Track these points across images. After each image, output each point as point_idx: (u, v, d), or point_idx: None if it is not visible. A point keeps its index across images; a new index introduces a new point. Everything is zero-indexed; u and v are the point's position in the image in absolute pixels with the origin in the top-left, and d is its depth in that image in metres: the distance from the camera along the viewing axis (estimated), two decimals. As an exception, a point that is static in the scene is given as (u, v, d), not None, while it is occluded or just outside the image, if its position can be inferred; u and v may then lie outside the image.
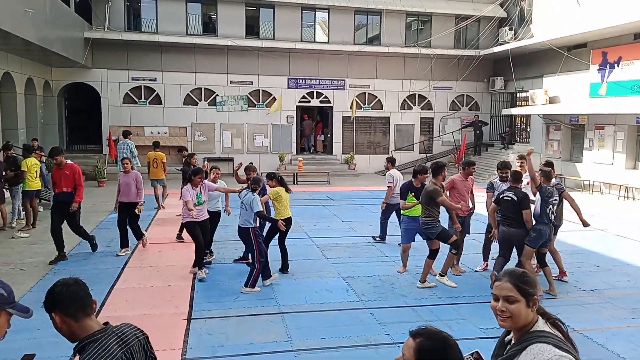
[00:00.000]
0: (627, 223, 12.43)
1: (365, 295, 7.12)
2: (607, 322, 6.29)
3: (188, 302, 6.79)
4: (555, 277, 7.72)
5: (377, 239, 10.34)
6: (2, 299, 2.01)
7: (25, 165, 10.96)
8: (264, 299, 6.92)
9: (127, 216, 9.12)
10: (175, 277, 7.85)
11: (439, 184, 7.45)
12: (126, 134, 14.99)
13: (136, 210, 9.05)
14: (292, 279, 7.76)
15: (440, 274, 7.64)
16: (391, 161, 10.78)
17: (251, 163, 9.46)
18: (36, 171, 11.19)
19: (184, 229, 8.66)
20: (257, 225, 7.39)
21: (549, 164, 8.45)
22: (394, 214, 10.07)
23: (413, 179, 7.91)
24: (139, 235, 9.37)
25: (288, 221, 7.88)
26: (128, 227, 9.21)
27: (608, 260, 9.06)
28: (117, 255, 8.94)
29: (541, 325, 2.22)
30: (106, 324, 2.21)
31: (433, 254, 7.58)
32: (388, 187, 10.07)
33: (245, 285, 7.19)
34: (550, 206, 7.16)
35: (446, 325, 5.91)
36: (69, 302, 2.11)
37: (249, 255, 8.41)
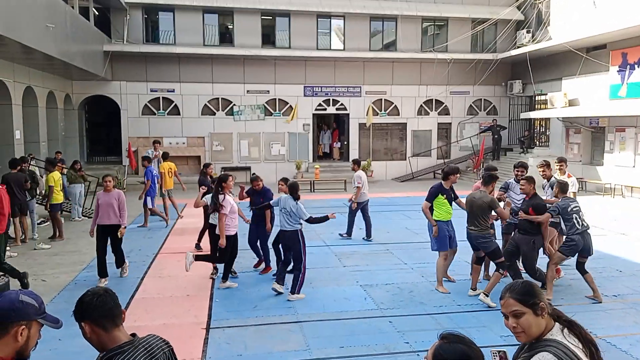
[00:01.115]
0: (651, 227, 12.17)
1: (383, 303, 7.08)
2: (631, 328, 6.16)
3: (207, 311, 6.83)
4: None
5: (344, 235, 11.14)
6: (33, 310, 2.05)
7: (52, 180, 11.14)
8: (282, 307, 6.93)
9: (108, 241, 8.11)
10: (194, 286, 7.90)
11: (489, 193, 7.22)
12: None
13: (118, 234, 8.06)
14: (310, 287, 7.74)
15: (484, 293, 7.17)
16: (357, 163, 11.43)
17: (254, 174, 9.52)
18: (61, 184, 11.40)
19: (209, 238, 8.64)
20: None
21: (562, 159, 8.66)
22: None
23: (444, 181, 7.65)
24: (120, 262, 8.33)
25: None
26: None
27: (631, 265, 8.88)
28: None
29: (555, 332, 2.21)
30: (133, 335, 2.23)
31: (480, 260, 7.48)
32: (357, 187, 10.80)
33: (292, 292, 7.22)
34: (575, 215, 7.10)
35: (466, 332, 5.81)
36: (98, 312, 2.15)
37: (264, 259, 8.49)
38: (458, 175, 7.79)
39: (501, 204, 7.61)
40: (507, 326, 2.28)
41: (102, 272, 7.98)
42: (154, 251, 10.11)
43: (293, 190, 7.42)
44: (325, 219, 7.55)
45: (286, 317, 6.58)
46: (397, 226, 12.49)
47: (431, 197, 7.57)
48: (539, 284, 7.27)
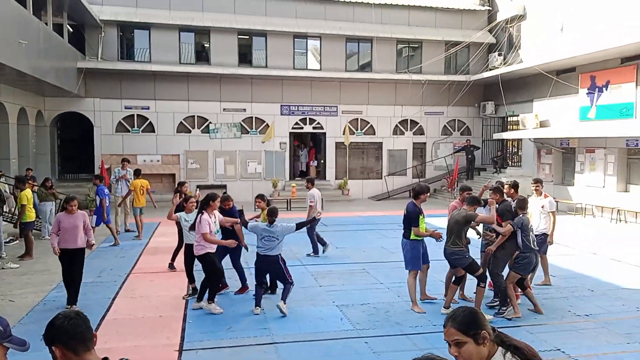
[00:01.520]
0: (620, 246, 12.43)
1: (359, 323, 7.04)
2: (603, 348, 6.24)
3: (180, 332, 6.69)
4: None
5: (312, 254, 11.19)
6: None
7: (25, 198, 10.88)
8: (257, 328, 6.84)
9: (70, 267, 7.54)
10: (167, 307, 7.76)
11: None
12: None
13: (87, 250, 7.81)
14: (286, 307, 7.66)
15: (445, 307, 7.41)
16: (311, 181, 11.64)
17: (225, 193, 9.47)
18: (32, 202, 11.14)
19: (185, 258, 8.47)
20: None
21: (538, 180, 8.98)
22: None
23: (415, 200, 7.62)
24: (73, 298, 7.51)
25: None
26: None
27: (602, 285, 9.03)
28: None
29: (497, 357, 2.23)
30: (105, 359, 2.18)
31: (459, 280, 7.52)
32: (310, 206, 11.03)
33: (283, 301, 7.35)
34: (531, 232, 7.38)
35: (442, 353, 5.81)
36: (69, 336, 2.10)
37: (239, 278, 8.39)
38: (428, 194, 7.83)
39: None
40: (450, 353, 2.30)
41: (71, 299, 7.51)
42: (126, 271, 9.91)
43: (273, 214, 7.43)
44: (312, 220, 7.83)
45: (261, 339, 6.49)
46: (373, 245, 12.50)
47: (417, 220, 7.51)
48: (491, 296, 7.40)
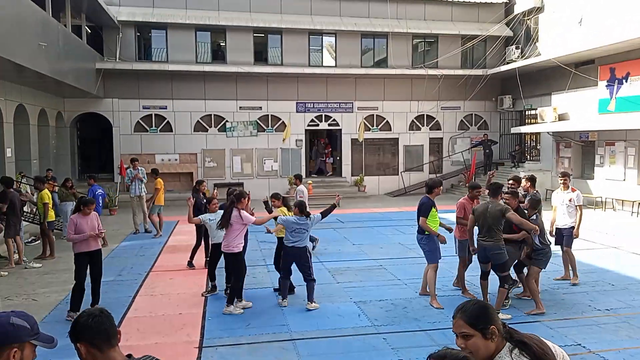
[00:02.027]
0: (642, 240, 12.24)
1: (377, 320, 7.06)
2: (624, 343, 6.17)
3: (199, 330, 6.78)
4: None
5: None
6: (25, 332, 2.04)
7: (48, 198, 11.06)
8: (276, 325, 6.89)
9: (91, 268, 7.41)
10: (186, 304, 7.85)
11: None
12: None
13: (103, 242, 7.69)
14: (304, 304, 7.70)
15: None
16: (299, 178, 11.67)
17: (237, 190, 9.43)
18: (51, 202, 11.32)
19: (210, 258, 8.57)
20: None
21: (565, 174, 8.92)
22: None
23: (429, 194, 7.68)
24: (97, 298, 7.48)
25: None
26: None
27: (623, 279, 8.92)
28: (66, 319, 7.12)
29: (504, 354, 2.20)
30: (129, 356, 2.23)
31: (485, 275, 7.42)
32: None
33: (311, 301, 7.53)
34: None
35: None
36: (94, 333, 2.14)
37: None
38: (441, 187, 7.93)
39: None
40: (457, 345, 2.28)
41: (79, 306, 7.15)
42: (146, 269, 10.05)
43: (303, 206, 7.78)
44: (333, 207, 7.89)
45: (280, 335, 6.54)
46: (390, 241, 12.49)
47: (427, 212, 7.60)
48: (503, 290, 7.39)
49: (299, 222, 7.56)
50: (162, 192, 13.46)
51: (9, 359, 1.97)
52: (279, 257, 8.32)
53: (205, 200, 10.25)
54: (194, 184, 11.73)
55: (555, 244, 8.68)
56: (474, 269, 8.11)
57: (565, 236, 8.66)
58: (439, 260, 7.78)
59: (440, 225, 7.97)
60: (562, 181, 8.91)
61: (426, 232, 7.64)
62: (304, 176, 21.95)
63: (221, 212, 8.11)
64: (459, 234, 8.09)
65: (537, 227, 7.10)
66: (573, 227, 8.62)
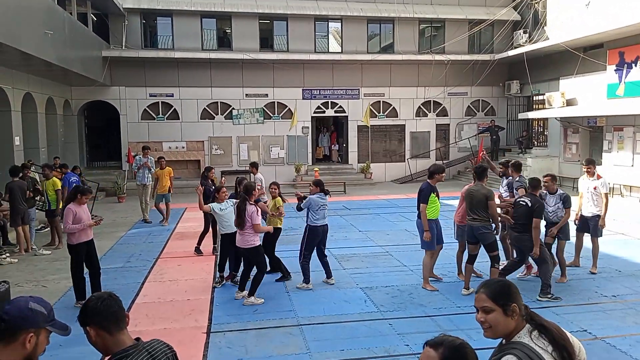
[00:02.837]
0: (650, 226, 12.20)
1: (383, 305, 7.11)
2: (631, 329, 6.18)
3: (207, 315, 6.86)
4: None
5: None
6: (42, 318, 2.08)
7: (59, 184, 11.11)
8: (282, 311, 6.96)
9: (85, 260, 7.35)
10: (194, 290, 7.93)
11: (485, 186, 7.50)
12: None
13: (97, 222, 7.63)
14: (310, 290, 7.77)
15: (465, 288, 7.60)
16: (255, 166, 11.27)
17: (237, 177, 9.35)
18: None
19: (220, 249, 8.50)
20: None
21: (590, 161, 8.90)
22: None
23: (430, 180, 7.76)
24: (98, 283, 7.50)
25: (278, 231, 8.42)
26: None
27: (630, 265, 8.91)
28: (75, 306, 7.16)
29: (523, 335, 2.23)
30: (138, 339, 2.26)
31: (472, 259, 7.56)
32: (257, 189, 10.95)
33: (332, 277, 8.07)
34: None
35: (466, 334, 5.87)
36: (103, 316, 2.18)
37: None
38: (443, 174, 7.93)
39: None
40: (477, 319, 2.32)
41: (84, 294, 7.14)
42: (155, 256, 10.14)
43: (322, 183, 8.10)
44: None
45: (286, 321, 6.60)
46: (396, 228, 12.52)
47: (426, 198, 7.64)
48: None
49: (323, 197, 7.86)
50: (166, 181, 13.27)
51: (25, 343, 2.01)
52: (271, 247, 8.35)
53: (213, 188, 10.28)
54: (203, 170, 11.66)
55: (579, 231, 8.68)
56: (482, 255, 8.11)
57: (591, 225, 8.47)
58: (444, 247, 7.84)
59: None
60: (586, 169, 8.67)
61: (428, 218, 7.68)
62: (310, 163, 22.03)
63: (231, 201, 8.14)
64: (459, 218, 8.13)
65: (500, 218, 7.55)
66: (599, 216, 8.41)
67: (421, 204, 7.65)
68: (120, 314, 2.23)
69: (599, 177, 8.61)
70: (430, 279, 7.99)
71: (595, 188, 8.44)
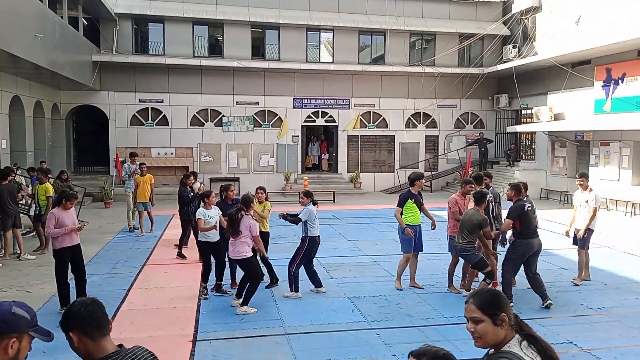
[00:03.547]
0: (634, 240, 12.33)
1: (371, 315, 7.09)
2: (616, 341, 6.22)
3: (193, 323, 6.79)
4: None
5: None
6: (25, 323, 2.04)
7: (51, 190, 10.87)
8: (270, 319, 6.91)
9: (70, 265, 7.24)
10: (180, 298, 7.86)
11: (482, 212, 7.53)
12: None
13: (81, 227, 7.30)
14: (298, 299, 7.74)
15: (466, 289, 7.93)
16: (195, 175, 11.34)
17: (222, 185, 8.97)
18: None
19: (201, 256, 8.39)
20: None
21: (583, 175, 8.93)
22: None
23: (411, 187, 8.16)
24: (83, 289, 7.37)
25: (266, 235, 8.50)
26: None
27: (616, 278, 8.99)
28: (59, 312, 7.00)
29: (512, 344, 2.24)
30: (120, 346, 2.23)
31: (489, 275, 7.53)
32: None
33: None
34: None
35: (453, 345, 5.87)
36: (86, 322, 2.15)
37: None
38: (423, 180, 8.37)
39: None
40: (467, 329, 2.33)
41: (68, 300, 7.05)
42: (141, 262, 10.05)
43: (312, 195, 8.03)
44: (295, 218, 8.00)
45: (273, 330, 6.56)
46: (385, 238, 12.52)
47: (402, 203, 8.07)
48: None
49: (315, 210, 7.90)
50: (146, 189, 12.71)
51: (7, 348, 1.97)
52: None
53: (192, 195, 10.25)
54: (182, 177, 11.06)
55: (573, 244, 8.76)
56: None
57: (584, 238, 8.57)
58: (432, 258, 7.88)
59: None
60: (579, 182, 8.77)
61: (405, 223, 8.05)
62: (299, 172, 22.03)
63: (217, 210, 8.04)
64: (451, 230, 8.18)
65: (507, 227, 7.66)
66: (589, 229, 8.52)
67: (396, 208, 8.14)
68: (104, 320, 2.21)
69: (591, 190, 8.68)
70: (411, 285, 8.26)
71: (587, 201, 8.54)
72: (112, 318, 6.89)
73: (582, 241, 8.59)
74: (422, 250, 8.40)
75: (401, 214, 8.11)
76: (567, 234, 8.91)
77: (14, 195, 10.22)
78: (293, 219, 7.91)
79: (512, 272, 7.45)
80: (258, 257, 7.69)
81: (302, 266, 7.94)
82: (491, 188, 8.59)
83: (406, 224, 8.02)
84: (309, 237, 7.81)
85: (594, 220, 8.51)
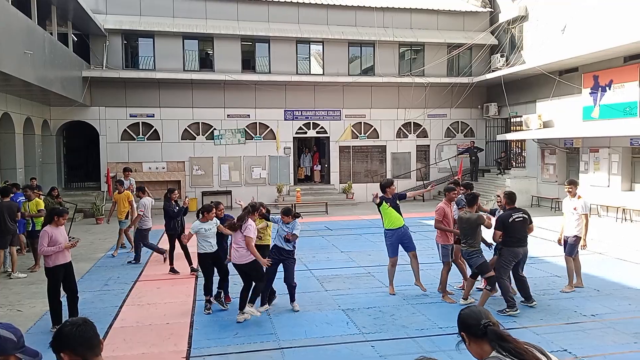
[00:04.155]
0: (625, 245, 12.40)
1: (365, 327, 7.07)
2: (610, 348, 6.23)
3: (187, 339, 6.74)
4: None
5: (133, 262, 11.23)
6: (11, 345, 2.03)
7: (42, 205, 10.94)
8: (263, 334, 6.87)
9: (63, 283, 7.19)
10: (173, 314, 7.81)
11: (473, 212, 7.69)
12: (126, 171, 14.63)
13: (74, 244, 7.23)
14: (292, 312, 7.71)
15: (463, 298, 7.98)
16: (142, 190, 11.40)
17: (212, 202, 8.67)
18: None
19: (202, 268, 8.18)
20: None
21: (572, 182, 8.96)
22: None
23: (384, 193, 8.51)
24: (75, 308, 7.26)
25: (267, 249, 8.31)
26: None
27: (608, 284, 9.02)
28: (51, 331, 6.99)
29: (493, 355, 2.32)
30: None
31: (475, 274, 7.81)
32: (138, 214, 11.01)
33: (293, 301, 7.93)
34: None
35: (448, 355, 5.86)
36: (78, 342, 2.14)
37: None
38: (393, 186, 8.64)
39: None
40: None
41: (60, 318, 7.06)
42: (133, 279, 9.98)
43: (290, 211, 8.00)
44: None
45: (268, 344, 6.52)
46: (378, 248, 12.46)
47: (378, 205, 8.47)
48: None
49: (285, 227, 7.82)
50: (125, 206, 12.25)
51: None
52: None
53: (177, 209, 10.28)
54: (166, 192, 10.81)
55: (564, 251, 8.82)
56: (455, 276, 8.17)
57: (568, 244, 8.63)
58: (424, 267, 7.93)
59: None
60: (567, 189, 8.80)
61: (386, 228, 8.45)
62: (291, 184, 22.02)
63: (215, 221, 8.03)
64: (441, 239, 8.23)
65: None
66: (576, 237, 8.56)
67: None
68: (95, 340, 2.20)
69: (579, 197, 8.70)
70: (391, 293, 8.54)
71: (575, 208, 8.57)
72: (104, 335, 6.84)
73: (568, 248, 8.63)
74: (414, 249, 8.55)
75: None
76: (559, 242, 8.95)
77: (13, 214, 10.15)
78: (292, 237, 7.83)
79: (506, 278, 7.56)
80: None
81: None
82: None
83: (389, 228, 8.42)
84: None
85: (580, 227, 8.55)
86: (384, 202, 8.36)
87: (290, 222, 7.78)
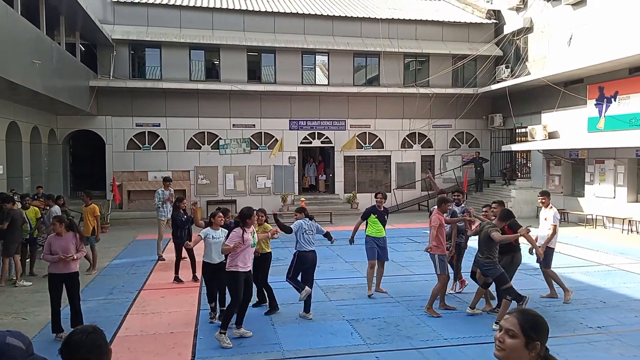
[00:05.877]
0: (632, 257, 12.33)
1: (370, 338, 7.04)
2: (616, 361, 6.19)
3: (191, 348, 6.73)
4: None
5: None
6: (20, 352, 2.03)
7: (39, 213, 11.03)
8: (268, 344, 6.86)
9: (63, 291, 7.09)
10: (178, 323, 7.80)
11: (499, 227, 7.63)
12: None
13: (75, 256, 7.03)
14: (296, 322, 7.69)
15: (496, 323, 7.47)
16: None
17: (218, 208, 8.68)
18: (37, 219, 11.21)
19: (204, 277, 8.15)
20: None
21: (544, 193, 9.15)
22: None
23: (377, 202, 9.10)
24: (77, 319, 7.05)
25: (268, 257, 8.42)
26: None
27: (614, 296, 8.96)
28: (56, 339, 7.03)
29: None
30: None
31: (485, 285, 7.91)
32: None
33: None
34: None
35: (452, 367, 5.83)
36: (88, 350, 2.12)
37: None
38: (380, 197, 9.23)
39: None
40: (495, 337, 2.29)
41: (58, 327, 7.08)
42: (138, 287, 9.99)
43: (304, 210, 8.29)
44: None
45: (271, 354, 6.51)
46: (383, 259, 12.46)
47: (364, 216, 9.22)
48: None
49: (307, 222, 8.03)
50: (91, 221, 11.69)
51: None
52: (263, 276, 8.30)
53: (185, 218, 10.31)
54: (174, 200, 10.87)
55: (537, 261, 8.80)
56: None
57: (545, 255, 8.62)
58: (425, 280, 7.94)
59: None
60: (540, 199, 9.04)
61: (366, 234, 9.07)
62: (296, 193, 22.03)
63: (224, 230, 7.99)
64: (438, 249, 8.10)
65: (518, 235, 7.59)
66: (548, 247, 8.60)
67: (359, 219, 9.34)
68: (105, 348, 2.19)
69: (551, 208, 8.84)
70: (376, 290, 9.11)
71: (545, 219, 8.66)
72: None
73: (543, 260, 8.62)
74: (387, 260, 9.37)
75: (364, 224, 9.20)
76: (530, 251, 8.78)
77: (22, 222, 10.24)
78: (283, 225, 8.14)
79: (510, 279, 7.59)
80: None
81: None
82: (461, 205, 9.25)
83: (370, 235, 9.08)
84: (298, 252, 7.94)
85: (554, 238, 8.64)
86: (371, 214, 9.02)
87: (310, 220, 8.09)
